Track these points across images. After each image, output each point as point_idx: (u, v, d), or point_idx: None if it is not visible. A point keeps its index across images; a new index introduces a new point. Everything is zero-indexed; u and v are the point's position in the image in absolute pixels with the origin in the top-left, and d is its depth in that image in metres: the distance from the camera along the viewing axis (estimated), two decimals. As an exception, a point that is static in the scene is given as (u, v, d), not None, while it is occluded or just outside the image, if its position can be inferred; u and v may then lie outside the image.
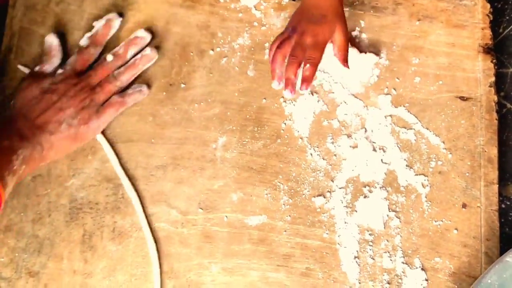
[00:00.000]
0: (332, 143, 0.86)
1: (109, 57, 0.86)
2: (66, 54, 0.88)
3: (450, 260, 0.80)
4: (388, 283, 0.80)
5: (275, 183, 0.85)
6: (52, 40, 0.87)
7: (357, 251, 0.81)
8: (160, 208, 0.84)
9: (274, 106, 0.88)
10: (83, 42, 0.87)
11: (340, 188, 0.84)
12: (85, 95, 0.83)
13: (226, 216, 0.83)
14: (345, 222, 0.82)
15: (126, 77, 0.86)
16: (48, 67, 0.85)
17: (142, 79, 0.88)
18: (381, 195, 0.83)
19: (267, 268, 0.81)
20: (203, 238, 0.82)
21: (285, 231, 0.82)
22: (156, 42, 0.90)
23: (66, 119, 0.81)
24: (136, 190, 0.85)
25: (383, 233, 0.82)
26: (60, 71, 0.84)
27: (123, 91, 0.86)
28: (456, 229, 0.81)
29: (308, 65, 0.77)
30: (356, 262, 0.81)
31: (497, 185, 0.83)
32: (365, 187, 0.84)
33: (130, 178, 0.85)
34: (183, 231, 0.83)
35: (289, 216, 0.83)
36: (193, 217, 0.84)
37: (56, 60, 0.86)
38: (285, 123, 0.87)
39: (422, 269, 0.80)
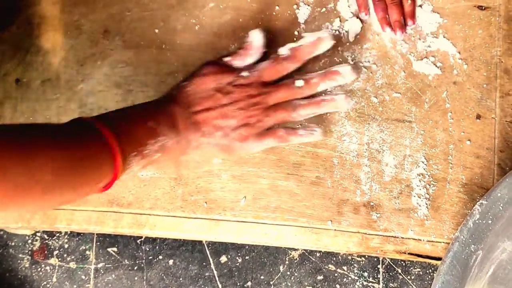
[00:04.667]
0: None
1: (300, 82, 0.67)
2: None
3: (462, 171, 0.68)
4: (400, 193, 0.68)
5: (286, 92, 0.71)
6: (258, 39, 0.68)
7: (368, 159, 0.69)
8: (170, 115, 0.71)
9: (287, 13, 0.74)
10: (283, 51, 0.68)
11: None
12: (255, 113, 0.66)
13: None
14: (357, 131, 0.69)
15: (305, 112, 0.67)
16: (239, 63, 0.68)
17: None
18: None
19: (277, 176, 0.69)
20: (213, 146, 0.70)
21: (295, 139, 0.70)
22: None
23: (225, 128, 0.65)
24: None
25: (395, 144, 0.69)
26: (245, 73, 0.67)
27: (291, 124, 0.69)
28: (469, 140, 0.69)
29: (408, 1, 0.70)
30: (367, 168, 0.68)
31: (513, 97, 0.70)
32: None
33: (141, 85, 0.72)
34: (193, 138, 0.71)
35: (300, 124, 0.70)
36: (203, 125, 0.71)
37: (250, 59, 0.69)
38: (298, 31, 0.73)
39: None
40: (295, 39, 0.74)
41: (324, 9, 0.74)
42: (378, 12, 0.72)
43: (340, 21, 0.74)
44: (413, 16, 0.72)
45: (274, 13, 0.74)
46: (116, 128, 0.58)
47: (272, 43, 0.73)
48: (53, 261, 0.76)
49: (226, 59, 0.69)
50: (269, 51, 0.69)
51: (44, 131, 0.56)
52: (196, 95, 0.66)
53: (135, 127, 0.61)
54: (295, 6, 0.74)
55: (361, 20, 0.73)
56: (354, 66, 0.70)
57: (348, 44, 0.73)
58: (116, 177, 0.58)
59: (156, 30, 0.75)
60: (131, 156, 0.59)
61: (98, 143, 0.56)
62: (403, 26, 0.72)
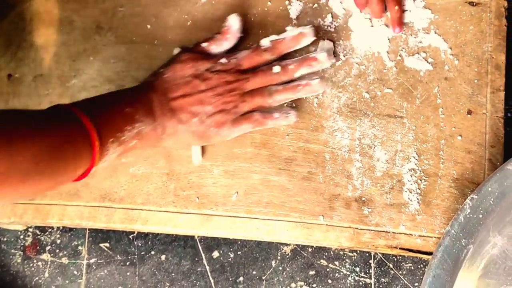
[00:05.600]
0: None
1: (277, 68, 0.67)
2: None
3: (453, 166, 0.67)
4: (391, 188, 0.67)
5: (278, 87, 0.71)
6: (234, 23, 0.68)
7: (359, 154, 0.68)
8: (162, 110, 0.70)
9: (279, 9, 0.73)
10: (264, 43, 0.68)
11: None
12: (232, 99, 0.66)
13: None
14: (348, 127, 0.68)
15: (280, 98, 0.68)
16: (216, 48, 0.69)
17: None
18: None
19: (269, 172, 0.69)
20: (205, 141, 0.69)
21: (287, 135, 0.69)
22: None
23: (201, 114, 0.65)
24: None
25: (387, 139, 0.68)
26: (223, 60, 0.67)
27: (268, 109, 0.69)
28: (460, 135, 0.68)
29: (394, 6, 0.70)
30: (359, 163, 0.68)
31: (504, 92, 0.70)
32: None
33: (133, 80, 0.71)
34: (185, 133, 0.70)
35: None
36: (195, 120, 0.70)
37: (227, 44, 0.69)
38: (290, 27, 0.72)
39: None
40: (287, 34, 0.73)
41: (316, 5, 0.74)
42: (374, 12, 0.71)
43: (332, 17, 0.73)
44: (400, 23, 0.71)
45: (266, 9, 0.74)
46: (94, 114, 0.57)
47: (266, 36, 0.73)
48: (45, 256, 0.75)
49: (203, 44, 0.69)
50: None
51: (23, 117, 0.55)
52: (173, 82, 0.65)
53: (112, 113, 0.60)
54: (287, 2, 0.74)
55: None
56: (329, 52, 0.69)
57: (340, 41, 0.72)
58: (93, 164, 0.58)
59: (149, 26, 0.74)
60: (108, 143, 0.58)
61: (76, 129, 0.56)
62: (401, 21, 0.71)
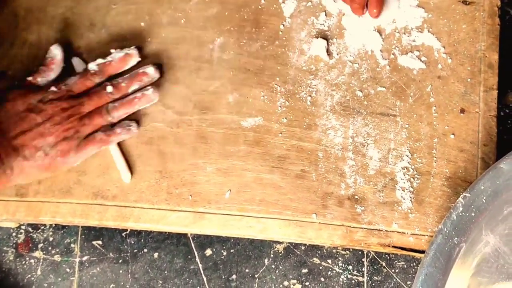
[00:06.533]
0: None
1: (109, 89, 0.68)
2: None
3: (446, 164, 0.67)
4: (384, 186, 0.66)
5: (272, 85, 0.71)
6: (56, 53, 0.69)
7: (352, 152, 0.67)
8: (156, 107, 0.70)
9: (273, 7, 0.73)
10: (92, 67, 0.68)
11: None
12: (71, 125, 0.65)
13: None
14: (342, 125, 0.68)
15: (119, 114, 0.68)
16: (42, 80, 0.68)
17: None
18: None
19: (262, 170, 0.68)
20: (199, 139, 0.69)
21: (280, 133, 0.69)
22: None
23: (44, 146, 0.64)
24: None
25: (380, 138, 0.68)
26: (53, 88, 0.67)
27: (111, 125, 0.69)
28: (453, 134, 0.68)
29: None
30: (352, 162, 0.67)
31: (497, 91, 0.69)
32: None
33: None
34: (178, 131, 0.70)
35: (285, 118, 0.69)
36: (188, 118, 0.70)
37: (53, 75, 0.69)
38: (283, 25, 0.72)
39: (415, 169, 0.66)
40: (280, 33, 0.72)
41: (309, 3, 0.73)
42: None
43: (326, 15, 0.72)
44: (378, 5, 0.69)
45: (259, 7, 0.73)
46: None
47: (258, 36, 0.72)
48: (37, 254, 0.74)
49: (29, 78, 0.68)
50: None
51: None
52: (9, 121, 0.64)
53: None
54: (280, 0, 0.73)
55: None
56: (156, 67, 0.69)
57: (333, 39, 0.72)
58: None
59: (142, 24, 0.74)
60: None
61: None
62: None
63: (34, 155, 0.64)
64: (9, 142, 0.63)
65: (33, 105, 0.65)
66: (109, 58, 0.69)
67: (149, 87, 0.69)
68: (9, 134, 0.63)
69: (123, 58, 0.69)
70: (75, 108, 0.66)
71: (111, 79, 0.69)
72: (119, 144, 0.69)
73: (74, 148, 0.66)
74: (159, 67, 0.71)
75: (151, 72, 0.69)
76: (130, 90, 0.69)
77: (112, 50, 0.70)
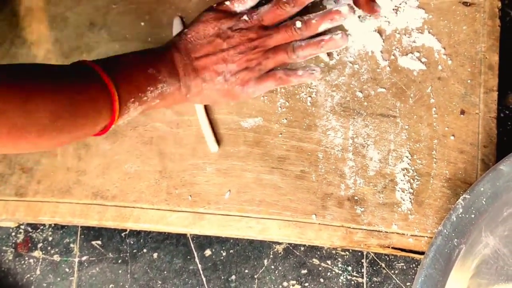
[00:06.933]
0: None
1: (298, 24, 0.65)
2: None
3: (446, 165, 0.67)
4: (384, 187, 0.66)
5: (272, 86, 0.70)
6: None
7: (352, 153, 0.67)
8: (155, 108, 0.69)
9: (273, 8, 0.72)
10: None
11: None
12: (255, 56, 0.65)
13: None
14: (342, 126, 0.68)
15: (304, 53, 0.66)
16: (239, 6, 0.67)
17: None
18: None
19: (262, 170, 0.68)
20: (198, 139, 0.69)
21: (280, 133, 0.68)
22: None
23: (225, 72, 0.64)
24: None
25: (380, 139, 0.67)
26: (245, 17, 0.65)
27: (292, 66, 0.68)
28: (453, 135, 0.67)
29: None
30: (352, 162, 0.67)
31: (497, 92, 0.69)
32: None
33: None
34: (178, 131, 0.69)
35: (285, 119, 0.69)
36: (188, 118, 0.70)
37: (251, 2, 0.67)
38: (284, 25, 0.71)
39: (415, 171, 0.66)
40: (281, 33, 0.72)
41: (310, 3, 0.72)
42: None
43: (335, 1, 0.71)
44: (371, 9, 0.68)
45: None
46: (116, 74, 0.57)
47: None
48: (37, 253, 0.74)
49: (227, 3, 0.67)
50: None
51: (44, 72, 0.54)
52: (196, 42, 0.64)
53: (135, 73, 0.60)
54: None
55: None
56: (350, 5, 0.66)
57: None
58: (113, 122, 0.58)
59: (142, 23, 0.73)
60: (129, 103, 0.58)
61: (97, 88, 0.55)
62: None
63: (213, 79, 0.64)
64: (191, 62, 0.64)
65: (222, 31, 0.65)
66: None
67: (338, 32, 0.66)
68: (193, 55, 0.64)
69: None
70: (261, 39, 0.65)
71: (303, 15, 0.67)
72: (208, 115, 0.69)
73: (254, 79, 0.65)
74: (353, 7, 0.66)
75: (345, 11, 0.65)
76: (320, 29, 0.66)
77: None
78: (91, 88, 0.55)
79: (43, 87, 0.51)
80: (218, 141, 0.69)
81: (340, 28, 0.70)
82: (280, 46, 0.66)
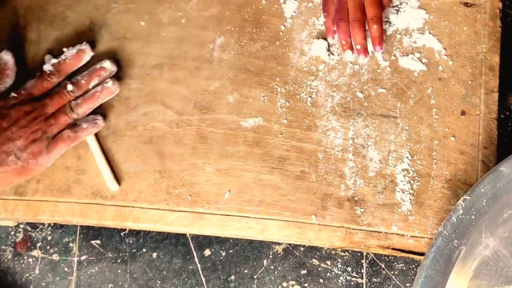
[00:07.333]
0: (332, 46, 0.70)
1: (69, 87, 0.67)
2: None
3: (446, 166, 0.66)
4: (384, 188, 0.66)
5: (272, 86, 0.70)
6: (7, 58, 0.68)
7: (352, 154, 0.67)
8: (156, 107, 0.70)
9: (274, 8, 0.72)
10: (47, 68, 0.68)
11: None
12: (38, 127, 0.65)
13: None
14: (342, 126, 0.67)
15: (83, 110, 0.68)
16: (0, 87, 0.67)
17: None
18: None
19: (262, 170, 0.67)
20: (198, 139, 0.69)
21: (280, 134, 0.68)
22: None
23: (14, 150, 0.63)
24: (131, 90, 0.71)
25: (380, 139, 0.67)
26: (14, 94, 0.66)
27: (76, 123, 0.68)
28: (453, 136, 0.67)
29: (374, 25, 0.67)
30: (352, 163, 0.66)
31: (497, 93, 0.69)
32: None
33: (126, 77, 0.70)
34: (178, 131, 0.69)
35: (286, 119, 0.68)
36: (188, 118, 0.69)
37: (9, 80, 0.68)
38: (284, 25, 0.71)
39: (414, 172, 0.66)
40: (281, 33, 0.72)
41: (310, 4, 0.73)
42: (340, 35, 0.68)
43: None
44: (381, 41, 0.68)
45: (260, 7, 0.72)
46: None
47: (259, 36, 0.72)
48: (36, 253, 0.74)
49: None
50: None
51: None
52: None
53: None
54: (281, 0, 0.73)
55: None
56: (112, 60, 0.69)
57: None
58: None
59: (142, 23, 0.73)
60: None
61: None
62: (366, 50, 0.69)
63: (5, 160, 0.63)
64: None
65: None
66: (62, 57, 0.69)
67: (108, 80, 0.68)
68: None
69: (76, 55, 0.69)
70: (38, 110, 0.66)
71: (71, 77, 0.69)
72: (104, 152, 0.69)
73: (44, 148, 0.65)
74: (116, 61, 0.70)
75: (108, 66, 0.68)
76: (90, 86, 0.68)
77: (65, 49, 0.69)
78: None
79: None
80: (118, 180, 0.68)
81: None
82: (58, 110, 0.67)
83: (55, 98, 0.67)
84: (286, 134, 0.69)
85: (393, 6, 0.72)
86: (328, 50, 0.70)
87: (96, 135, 0.69)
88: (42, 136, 0.65)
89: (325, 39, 0.71)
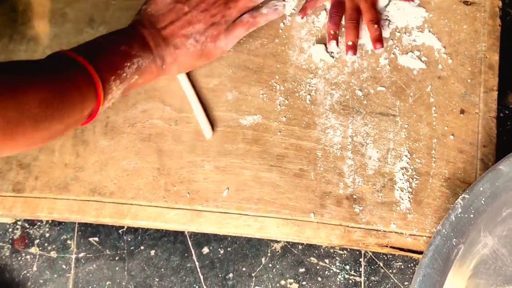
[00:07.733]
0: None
1: None
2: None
3: (445, 165, 0.66)
4: (383, 186, 0.66)
5: (271, 83, 0.70)
6: None
7: (351, 152, 0.67)
8: (154, 104, 0.70)
9: (273, 5, 0.71)
10: None
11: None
12: (217, 10, 0.66)
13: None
14: (341, 124, 0.67)
15: None
16: None
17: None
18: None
19: (260, 168, 0.67)
20: (197, 136, 0.68)
21: (279, 131, 0.68)
22: None
23: (194, 34, 0.65)
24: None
25: (379, 137, 0.67)
26: None
27: (256, 8, 0.69)
28: (452, 134, 0.67)
29: (374, 25, 0.68)
30: (350, 161, 0.66)
31: (497, 92, 0.69)
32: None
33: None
34: (176, 128, 0.69)
35: (285, 117, 0.68)
36: (187, 115, 0.69)
37: None
38: (283, 23, 0.71)
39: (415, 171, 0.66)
40: (280, 31, 0.71)
41: (310, 2, 0.72)
42: (330, 25, 0.69)
43: (326, 14, 0.71)
44: (380, 40, 0.68)
45: (259, 5, 0.72)
46: (92, 57, 0.58)
47: (258, 34, 0.71)
48: (33, 250, 0.74)
49: None
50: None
51: (26, 67, 0.55)
52: (157, 13, 0.65)
53: (110, 52, 0.61)
54: (281, -2, 0.72)
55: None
56: None
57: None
58: (99, 103, 0.58)
59: (142, 19, 0.73)
60: (111, 81, 0.59)
61: (78, 73, 0.56)
62: (356, 49, 0.69)
63: (185, 43, 0.65)
64: (158, 33, 0.64)
65: None
66: None
67: None
68: (158, 25, 0.64)
69: None
70: None
71: None
72: (201, 101, 0.69)
73: (223, 32, 0.66)
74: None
75: None
76: None
77: None
78: (72, 75, 0.56)
79: (29, 79, 0.53)
80: (213, 126, 0.68)
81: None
82: None
83: None
84: (285, 132, 0.68)
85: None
86: (327, 51, 0.70)
87: (192, 83, 0.70)
88: (221, 19, 0.66)
89: (324, 37, 0.71)
